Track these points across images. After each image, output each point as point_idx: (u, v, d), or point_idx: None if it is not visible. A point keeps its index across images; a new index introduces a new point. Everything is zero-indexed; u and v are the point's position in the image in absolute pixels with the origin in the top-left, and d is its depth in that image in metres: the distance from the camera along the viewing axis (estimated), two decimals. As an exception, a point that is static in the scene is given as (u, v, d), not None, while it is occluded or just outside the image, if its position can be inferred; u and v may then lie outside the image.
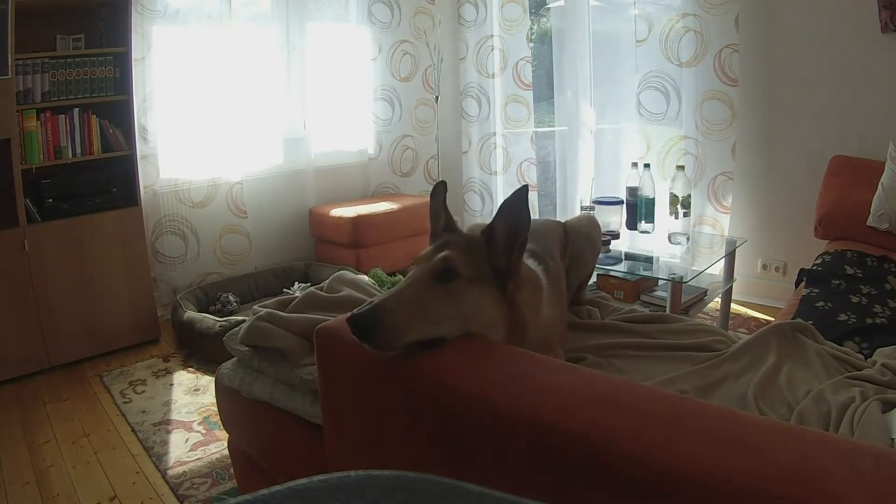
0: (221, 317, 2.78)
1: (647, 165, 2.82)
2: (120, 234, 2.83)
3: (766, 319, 3.03)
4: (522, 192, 0.93)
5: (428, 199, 1.08)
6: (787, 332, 1.31)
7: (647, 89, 3.37)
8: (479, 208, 4.35)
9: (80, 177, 2.75)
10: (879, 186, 2.48)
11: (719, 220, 3.26)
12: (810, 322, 1.47)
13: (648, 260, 2.67)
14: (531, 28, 4.13)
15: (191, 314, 2.79)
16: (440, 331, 0.87)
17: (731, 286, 2.75)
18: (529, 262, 1.13)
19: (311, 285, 2.70)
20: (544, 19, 4.82)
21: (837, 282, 2.10)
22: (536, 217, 4.06)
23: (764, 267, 3.27)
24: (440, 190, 1.06)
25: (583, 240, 1.48)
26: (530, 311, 1.02)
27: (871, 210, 2.48)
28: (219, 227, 3.42)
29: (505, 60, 4.03)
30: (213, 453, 2.02)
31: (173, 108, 3.19)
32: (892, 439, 0.94)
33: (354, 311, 0.83)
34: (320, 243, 3.77)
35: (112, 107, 2.83)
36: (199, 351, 2.77)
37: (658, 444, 0.62)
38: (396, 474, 0.29)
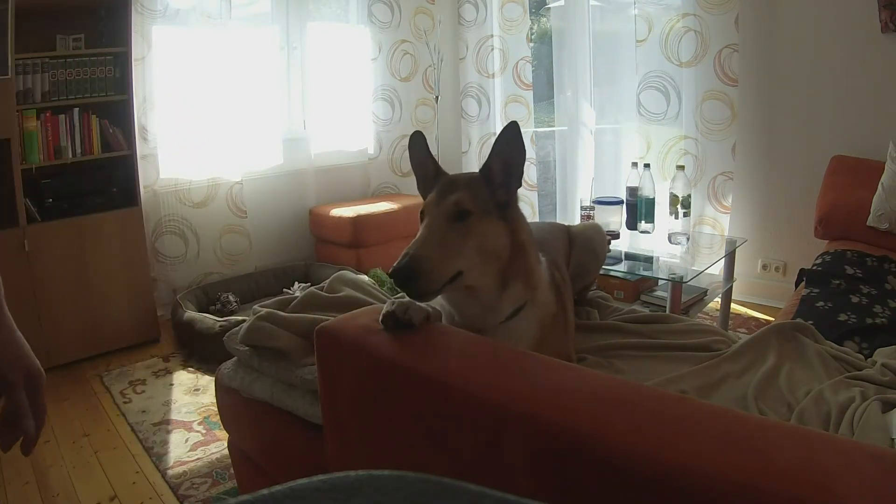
0: (221, 317, 2.78)
1: (647, 165, 2.82)
2: (120, 234, 2.82)
3: (766, 319, 3.03)
4: (514, 126, 0.99)
5: None
6: (787, 332, 1.31)
7: (647, 89, 3.37)
8: (479, 208, 4.34)
9: (80, 177, 2.75)
10: (879, 186, 2.48)
11: (719, 220, 3.25)
12: (810, 322, 1.47)
13: (648, 260, 2.67)
14: (531, 28, 4.13)
15: (191, 314, 2.79)
16: (461, 264, 0.95)
17: (731, 286, 2.75)
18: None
19: (311, 285, 2.69)
20: (544, 19, 4.82)
21: (837, 282, 2.09)
22: (538, 220, 4.08)
23: (764, 267, 3.27)
24: (419, 140, 1.10)
25: (587, 251, 1.51)
26: (527, 234, 1.09)
27: (871, 210, 2.48)
28: (219, 227, 3.42)
29: (505, 60, 4.03)
30: (213, 453, 2.02)
31: (173, 108, 3.19)
32: (892, 439, 0.94)
33: (395, 264, 0.89)
34: (320, 243, 3.77)
35: (112, 107, 2.82)
36: (199, 351, 2.77)
37: (658, 444, 0.62)
38: (396, 474, 0.29)
